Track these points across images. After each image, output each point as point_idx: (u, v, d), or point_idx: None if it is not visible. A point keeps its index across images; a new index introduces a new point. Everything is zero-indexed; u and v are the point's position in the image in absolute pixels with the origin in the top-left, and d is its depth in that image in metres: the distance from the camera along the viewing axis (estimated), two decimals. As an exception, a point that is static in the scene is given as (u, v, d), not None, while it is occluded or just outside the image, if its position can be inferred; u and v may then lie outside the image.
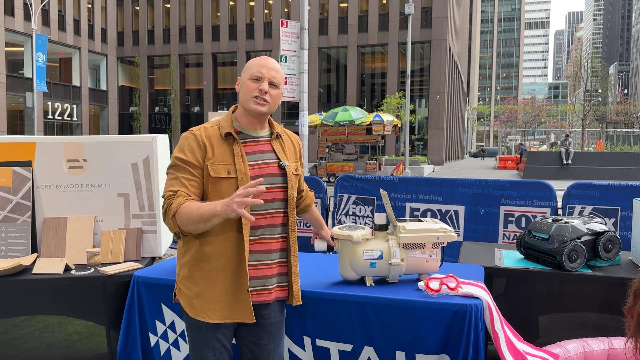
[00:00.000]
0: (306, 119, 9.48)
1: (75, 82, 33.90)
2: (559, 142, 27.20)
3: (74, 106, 33.50)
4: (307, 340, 2.32)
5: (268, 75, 1.75)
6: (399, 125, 19.99)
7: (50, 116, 31.32)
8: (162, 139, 3.22)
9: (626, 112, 57.67)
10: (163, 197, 1.72)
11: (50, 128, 31.68)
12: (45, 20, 30.76)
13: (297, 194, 2.06)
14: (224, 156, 1.72)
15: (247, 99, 1.75)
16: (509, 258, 2.77)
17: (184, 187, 1.68)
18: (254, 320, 1.74)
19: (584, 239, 2.49)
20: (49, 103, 31.03)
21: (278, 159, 1.81)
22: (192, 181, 1.70)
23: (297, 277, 1.87)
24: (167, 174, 1.76)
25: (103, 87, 37.07)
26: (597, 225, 2.57)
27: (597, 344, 2.18)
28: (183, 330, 2.51)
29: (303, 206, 2.19)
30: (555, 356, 2.00)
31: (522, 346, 2.01)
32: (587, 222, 2.58)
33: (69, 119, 33.08)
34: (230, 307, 1.72)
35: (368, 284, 2.33)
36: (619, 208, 3.95)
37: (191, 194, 1.69)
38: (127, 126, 38.72)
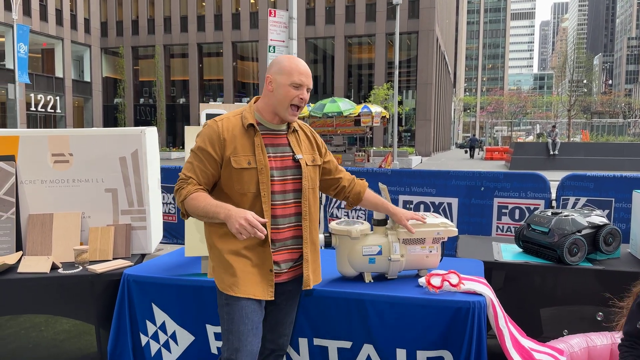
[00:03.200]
0: (296, 110, 9.35)
1: (59, 73, 33.14)
2: (545, 132, 27.43)
3: (57, 98, 32.78)
4: (302, 342, 2.25)
5: (307, 83, 1.85)
6: (387, 116, 19.94)
7: (33, 108, 30.62)
8: (151, 132, 3.11)
9: (610, 103, 58.33)
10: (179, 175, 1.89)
11: (34, 120, 30.99)
12: (27, 10, 29.95)
13: (334, 185, 2.14)
14: (245, 148, 1.82)
15: (284, 107, 1.84)
16: (508, 252, 2.73)
17: (195, 175, 1.83)
18: (273, 298, 1.84)
19: (584, 232, 2.46)
20: (32, 95, 30.31)
21: (293, 152, 1.90)
22: (204, 172, 1.83)
23: (307, 263, 1.92)
24: (190, 151, 1.91)
25: (87, 78, 36.31)
26: (597, 218, 2.54)
27: (600, 339, 2.16)
28: (174, 332, 2.43)
29: (354, 194, 2.14)
30: (560, 351, 1.98)
31: (527, 342, 1.98)
32: (587, 215, 2.55)
33: (53, 111, 32.38)
34: (254, 284, 1.81)
35: (367, 281, 2.27)
36: (613, 199, 3.94)
37: (201, 183, 1.83)
38: (111, 118, 38.05)
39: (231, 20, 35.49)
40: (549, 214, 2.59)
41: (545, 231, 2.51)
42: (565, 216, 2.50)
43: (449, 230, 2.24)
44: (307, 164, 1.91)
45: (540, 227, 2.55)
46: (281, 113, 1.85)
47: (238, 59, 36.37)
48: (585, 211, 2.62)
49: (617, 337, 2.17)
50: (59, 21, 32.86)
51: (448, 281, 2.01)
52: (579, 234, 2.44)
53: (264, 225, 1.76)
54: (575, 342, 2.14)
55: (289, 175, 1.87)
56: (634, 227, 2.74)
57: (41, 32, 31.24)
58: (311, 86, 1.89)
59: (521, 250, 2.74)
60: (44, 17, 31.49)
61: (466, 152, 39.04)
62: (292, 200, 1.89)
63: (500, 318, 1.94)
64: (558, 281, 2.47)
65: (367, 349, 2.14)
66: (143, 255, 3.00)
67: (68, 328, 3.22)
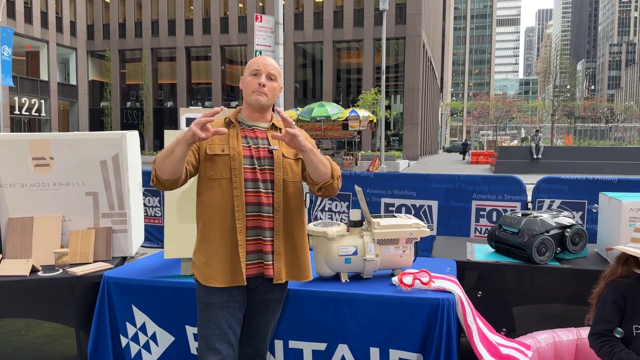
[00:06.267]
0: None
1: (44, 76, 32.78)
2: (529, 137, 27.82)
3: (42, 101, 32.42)
4: (278, 344, 2.30)
5: (265, 70, 1.94)
6: (375, 120, 20.08)
7: (17, 112, 30.23)
8: (132, 136, 3.14)
9: (593, 108, 59.37)
10: None
11: (17, 124, 30.60)
12: (11, 13, 29.61)
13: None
14: (221, 138, 1.92)
15: (248, 94, 1.94)
16: (481, 252, 2.82)
17: None
18: (245, 283, 1.87)
19: (552, 232, 2.55)
20: (16, 98, 29.93)
21: (269, 144, 1.95)
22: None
23: (279, 256, 1.92)
24: None
25: (73, 81, 35.97)
26: (565, 219, 2.64)
27: (567, 335, 2.25)
28: (154, 333, 2.46)
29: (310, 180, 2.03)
30: (527, 346, 2.05)
31: (495, 338, 2.05)
32: (555, 216, 2.64)
33: (37, 114, 32.01)
34: (229, 272, 1.87)
35: (343, 280, 2.34)
36: (586, 201, 4.06)
37: None
38: (98, 122, 37.72)
39: (219, 24, 35.48)
40: (519, 215, 2.69)
41: (515, 232, 2.60)
42: (534, 217, 2.60)
43: (421, 231, 2.32)
44: (284, 156, 1.94)
45: (511, 228, 2.64)
46: (249, 100, 1.94)
47: (227, 62, 36.35)
48: (554, 212, 2.71)
49: (582, 332, 2.26)
50: (44, 24, 32.54)
51: (419, 279, 2.08)
52: (547, 234, 2.53)
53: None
54: (543, 337, 2.22)
55: (263, 166, 1.92)
56: (601, 227, 2.84)
57: (26, 35, 30.91)
58: (273, 72, 1.94)
59: (493, 250, 2.82)
60: (28, 19, 31.16)
61: (461, 153, 40.98)
62: (267, 190, 1.91)
63: (469, 315, 2.01)
64: (527, 280, 2.56)
65: (342, 349, 2.20)
66: (124, 258, 3.02)
67: (49, 332, 3.22)
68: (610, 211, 2.67)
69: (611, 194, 2.73)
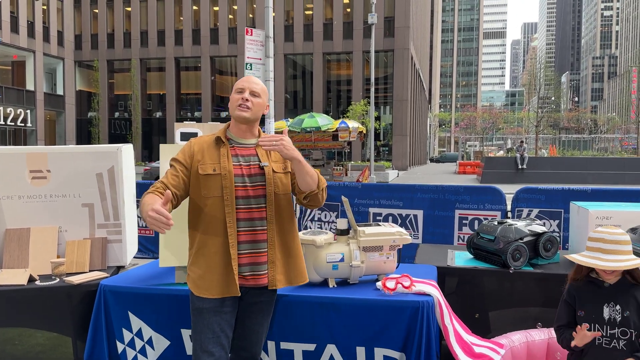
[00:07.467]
0: (272, 125, 9.58)
1: (30, 86, 32.62)
2: (514, 147, 28.28)
3: (28, 111, 32.20)
4: (270, 345, 2.42)
5: (249, 87, 2.09)
6: (364, 131, 20.32)
7: (2, 122, 30.02)
8: (127, 149, 3.26)
9: (577, 119, 60.57)
10: None
11: (2, 134, 30.34)
12: (-4, 22, 29.58)
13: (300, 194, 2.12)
14: (212, 157, 2.04)
15: (233, 109, 2.09)
16: (460, 258, 2.98)
17: (166, 179, 2.03)
18: (239, 294, 2.00)
19: (526, 239, 2.72)
20: (1, 108, 29.76)
21: (259, 160, 2.07)
22: (175, 176, 2.04)
23: (273, 265, 2.05)
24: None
25: (60, 91, 35.82)
26: (538, 226, 2.81)
27: (539, 335, 2.41)
28: (150, 337, 2.56)
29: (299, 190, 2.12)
30: (500, 345, 2.20)
31: (470, 338, 2.20)
32: (529, 224, 2.81)
33: (23, 124, 31.77)
34: (223, 284, 1.99)
35: (331, 285, 2.47)
36: (562, 210, 4.25)
37: (169, 185, 2.01)
38: (85, 132, 37.52)
39: (209, 35, 35.67)
40: (495, 223, 2.85)
41: (491, 239, 2.77)
42: (509, 225, 2.76)
43: (403, 239, 2.47)
44: (274, 171, 2.07)
45: (488, 235, 2.80)
46: (234, 115, 2.08)
47: (216, 73, 36.50)
48: (528, 221, 2.88)
49: (553, 332, 2.41)
50: (31, 33, 32.45)
51: (401, 284, 2.22)
52: (521, 241, 2.69)
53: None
54: (517, 337, 2.38)
55: (255, 182, 2.04)
56: (571, 234, 3.02)
57: (12, 44, 30.80)
58: (256, 89, 2.09)
59: (472, 256, 2.98)
60: (15, 29, 31.07)
61: None
62: (259, 205, 2.03)
63: (446, 316, 2.16)
64: (503, 284, 2.71)
65: (330, 349, 2.33)
66: (119, 268, 3.12)
67: (42, 342, 3.27)
68: (579, 219, 2.85)
69: (580, 203, 2.91)
